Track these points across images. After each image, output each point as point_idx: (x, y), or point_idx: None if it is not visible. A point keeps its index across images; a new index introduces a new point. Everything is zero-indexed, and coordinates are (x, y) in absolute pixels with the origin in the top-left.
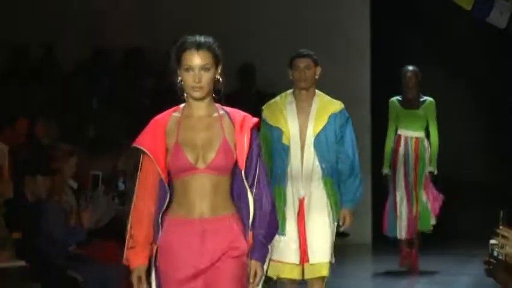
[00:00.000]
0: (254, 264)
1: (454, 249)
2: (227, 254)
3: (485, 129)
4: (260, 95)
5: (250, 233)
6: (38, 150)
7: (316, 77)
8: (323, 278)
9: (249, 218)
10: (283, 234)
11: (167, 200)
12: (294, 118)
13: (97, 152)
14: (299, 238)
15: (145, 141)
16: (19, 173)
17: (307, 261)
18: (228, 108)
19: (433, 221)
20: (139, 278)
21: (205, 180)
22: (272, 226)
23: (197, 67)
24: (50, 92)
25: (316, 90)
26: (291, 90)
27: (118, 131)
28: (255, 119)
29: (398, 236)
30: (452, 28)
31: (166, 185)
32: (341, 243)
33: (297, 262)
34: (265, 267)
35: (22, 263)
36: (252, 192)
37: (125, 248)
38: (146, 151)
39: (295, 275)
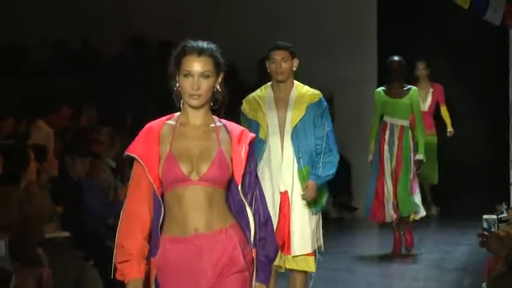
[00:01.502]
0: (259, 286)
1: (455, 223)
2: (227, 270)
3: (486, 120)
4: None
5: (253, 251)
6: (80, 134)
7: (294, 68)
8: (305, 272)
9: (249, 231)
10: None
11: (163, 213)
12: (273, 111)
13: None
14: (282, 231)
15: (137, 148)
16: (63, 154)
17: (289, 253)
18: (224, 121)
19: (419, 211)
20: None
21: (199, 192)
22: (274, 245)
23: (196, 74)
24: (92, 82)
25: (295, 81)
26: (270, 83)
27: (153, 118)
28: (253, 134)
29: (387, 220)
30: (455, 23)
31: (159, 196)
32: (351, 217)
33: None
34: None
35: (66, 233)
36: (251, 208)
37: (115, 261)
38: (138, 159)
39: (278, 263)
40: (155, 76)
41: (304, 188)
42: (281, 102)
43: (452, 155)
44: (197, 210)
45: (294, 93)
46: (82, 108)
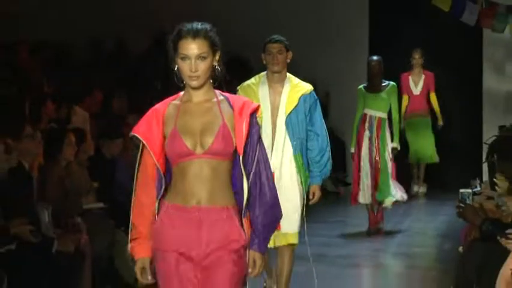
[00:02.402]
0: (253, 254)
1: (436, 197)
2: (224, 248)
3: (464, 107)
4: None
5: (245, 221)
6: (113, 118)
7: (288, 60)
8: (292, 245)
9: (248, 205)
10: None
11: (163, 187)
12: (266, 98)
13: None
14: None
15: (141, 129)
16: (99, 136)
17: (279, 228)
18: (228, 94)
19: (394, 195)
20: (143, 269)
21: (204, 165)
22: (275, 216)
23: (193, 56)
24: (123, 74)
25: (288, 74)
26: (264, 73)
27: None
28: (255, 104)
29: (362, 201)
30: (439, 23)
31: (162, 172)
32: (346, 191)
33: None
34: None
35: (101, 205)
36: (248, 179)
37: (129, 238)
38: (140, 138)
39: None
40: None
41: (311, 193)
42: (274, 91)
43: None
44: (201, 183)
45: (287, 84)
46: (114, 95)
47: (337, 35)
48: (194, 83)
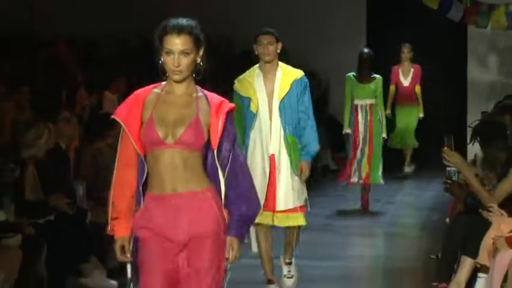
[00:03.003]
0: (230, 240)
1: (425, 174)
2: (205, 231)
3: (449, 95)
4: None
5: (225, 211)
6: None
7: (278, 51)
8: (297, 227)
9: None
10: None
11: (146, 172)
12: (262, 88)
13: None
14: (271, 189)
15: (121, 112)
16: None
17: (276, 208)
18: (207, 92)
19: (381, 180)
20: (122, 247)
21: (176, 155)
22: (251, 204)
23: (177, 51)
24: (146, 66)
25: (279, 62)
26: (257, 65)
27: None
28: (232, 105)
29: (352, 180)
30: (428, 20)
31: (142, 157)
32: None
33: (269, 210)
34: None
35: None
36: (223, 172)
37: (109, 217)
38: (120, 121)
39: (266, 220)
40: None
41: (298, 169)
42: (268, 80)
43: (424, 121)
44: (174, 171)
45: (279, 72)
46: (139, 81)
47: (336, 30)
48: (176, 77)
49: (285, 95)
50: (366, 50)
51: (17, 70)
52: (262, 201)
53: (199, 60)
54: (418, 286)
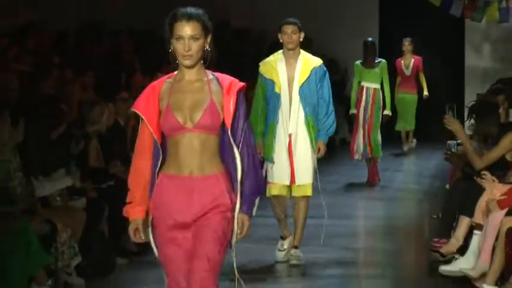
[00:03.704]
0: (241, 217)
1: (428, 146)
2: (213, 210)
3: (451, 80)
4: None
5: (238, 188)
6: None
7: (301, 39)
8: (307, 196)
9: (236, 174)
10: (272, 161)
11: (161, 158)
12: (284, 72)
13: None
14: (290, 165)
15: (139, 105)
16: None
17: (295, 182)
18: (217, 74)
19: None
20: (136, 230)
21: (194, 138)
22: (258, 182)
23: (187, 37)
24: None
25: (301, 50)
26: (281, 51)
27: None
28: (242, 84)
29: (356, 157)
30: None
31: (159, 144)
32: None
33: (288, 183)
34: (254, 209)
35: None
36: (238, 150)
37: (127, 201)
38: (139, 114)
39: (284, 192)
40: (232, 53)
41: (316, 148)
42: (290, 65)
43: (428, 102)
44: (192, 154)
45: (300, 59)
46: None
47: (353, 24)
48: (187, 62)
49: (305, 81)
50: (369, 39)
51: (83, 57)
52: (286, 176)
53: (207, 46)
54: (422, 241)
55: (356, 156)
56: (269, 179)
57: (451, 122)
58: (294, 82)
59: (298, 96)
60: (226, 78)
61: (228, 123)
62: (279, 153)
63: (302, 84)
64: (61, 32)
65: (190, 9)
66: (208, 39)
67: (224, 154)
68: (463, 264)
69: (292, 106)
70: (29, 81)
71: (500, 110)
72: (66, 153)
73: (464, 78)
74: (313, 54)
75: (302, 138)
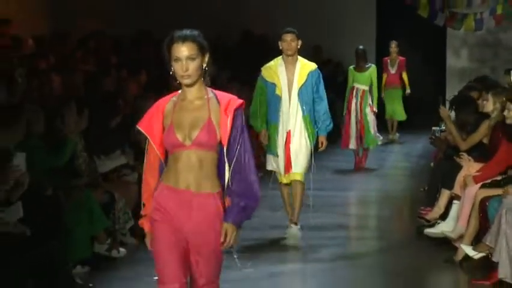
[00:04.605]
0: (226, 225)
1: (415, 132)
2: (209, 224)
3: (432, 79)
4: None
5: (226, 200)
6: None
7: (298, 46)
8: (300, 182)
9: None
10: (276, 155)
11: (164, 170)
12: (284, 76)
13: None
14: (285, 156)
15: (143, 122)
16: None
17: (290, 171)
18: (217, 92)
19: (378, 142)
20: (152, 240)
21: (192, 155)
22: (251, 199)
23: (184, 58)
24: (220, 58)
25: (298, 56)
26: (281, 56)
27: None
28: (240, 101)
29: (351, 147)
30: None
31: (162, 160)
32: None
33: (283, 172)
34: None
35: None
36: (230, 164)
37: (141, 213)
38: (143, 132)
39: (285, 180)
40: (259, 59)
41: (319, 142)
42: (289, 70)
43: (413, 96)
44: (189, 169)
45: (298, 64)
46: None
47: (355, 33)
48: (186, 81)
49: (303, 84)
50: (360, 47)
51: (136, 59)
52: (282, 166)
53: (205, 65)
54: (411, 209)
55: (351, 146)
56: (274, 169)
57: (442, 110)
58: (293, 84)
59: (297, 97)
60: (225, 97)
61: (224, 140)
62: (279, 147)
63: (301, 87)
64: (118, 38)
65: (186, 31)
66: (206, 58)
67: (221, 171)
68: (444, 228)
69: (292, 106)
70: (92, 78)
71: (479, 101)
72: (122, 137)
73: (445, 77)
74: (322, 59)
75: (298, 133)
